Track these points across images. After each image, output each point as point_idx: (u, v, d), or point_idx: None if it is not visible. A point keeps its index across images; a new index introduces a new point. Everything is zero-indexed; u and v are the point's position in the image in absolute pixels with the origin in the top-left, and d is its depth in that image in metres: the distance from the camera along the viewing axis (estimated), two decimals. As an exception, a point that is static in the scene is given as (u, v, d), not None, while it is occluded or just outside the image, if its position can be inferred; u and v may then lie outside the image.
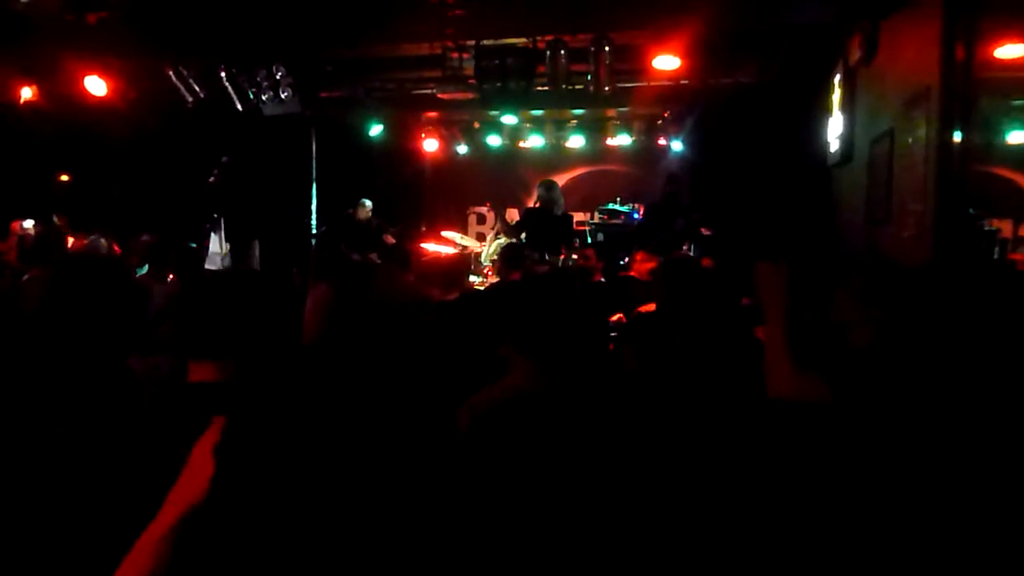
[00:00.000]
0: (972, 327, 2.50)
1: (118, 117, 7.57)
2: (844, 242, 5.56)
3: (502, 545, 1.75)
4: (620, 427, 2.01)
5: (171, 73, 6.85)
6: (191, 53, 6.65)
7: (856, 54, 5.03)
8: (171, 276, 4.87)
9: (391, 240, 8.02)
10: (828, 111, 6.04)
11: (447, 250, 8.48)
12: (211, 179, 8.02)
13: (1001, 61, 5.47)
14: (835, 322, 2.37)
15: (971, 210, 4.07)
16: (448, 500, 1.83)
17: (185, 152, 8.51)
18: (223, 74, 6.93)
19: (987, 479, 1.95)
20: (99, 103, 7.22)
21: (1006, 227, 8.11)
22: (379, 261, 7.86)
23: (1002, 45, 5.23)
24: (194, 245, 6.74)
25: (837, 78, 5.70)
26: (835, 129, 5.83)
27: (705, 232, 8.24)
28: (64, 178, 9.74)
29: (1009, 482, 1.92)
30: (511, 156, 10.98)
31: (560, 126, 10.60)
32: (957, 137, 3.46)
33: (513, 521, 1.77)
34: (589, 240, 9.10)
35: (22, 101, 7.41)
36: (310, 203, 8.99)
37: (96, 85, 6.92)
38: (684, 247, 7.70)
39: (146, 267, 5.09)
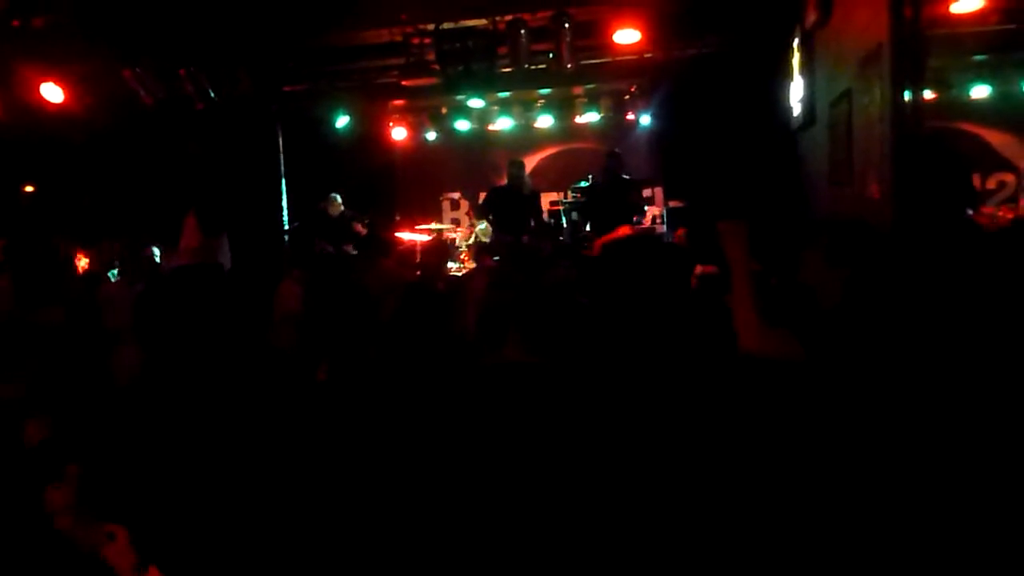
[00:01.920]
0: (936, 284, 2.53)
1: (77, 122, 7.45)
2: (810, 204, 5.61)
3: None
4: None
5: (128, 75, 6.75)
6: (145, 53, 6.55)
7: (812, 16, 5.05)
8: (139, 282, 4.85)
9: (362, 230, 7.99)
10: (789, 76, 6.07)
11: (423, 238, 8.48)
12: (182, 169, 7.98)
13: (956, 16, 5.52)
14: (803, 283, 2.42)
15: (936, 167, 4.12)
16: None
17: (148, 153, 8.41)
18: (182, 73, 6.84)
19: (957, 436, 1.98)
20: (57, 109, 7.10)
21: (973, 182, 8.18)
22: (354, 252, 7.87)
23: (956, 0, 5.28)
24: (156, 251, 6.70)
25: (796, 42, 5.72)
26: (796, 93, 5.86)
27: (675, 204, 8.30)
28: (28, 188, 9.61)
29: (979, 438, 1.96)
30: (481, 140, 10.94)
31: (528, 107, 10.56)
32: (909, 94, 3.49)
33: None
34: (564, 219, 9.11)
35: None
36: (280, 198, 8.93)
37: (52, 92, 6.81)
38: (635, 219, 7.78)
39: (115, 273, 5.07)
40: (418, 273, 6.16)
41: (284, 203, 8.98)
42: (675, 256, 3.57)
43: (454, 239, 9.22)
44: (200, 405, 1.56)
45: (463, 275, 5.68)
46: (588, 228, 8.04)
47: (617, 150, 8.22)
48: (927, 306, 2.29)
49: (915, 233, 3.42)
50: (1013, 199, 8.22)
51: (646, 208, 8.43)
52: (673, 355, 2.50)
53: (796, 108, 5.90)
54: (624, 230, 5.95)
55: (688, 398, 2.34)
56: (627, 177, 7.80)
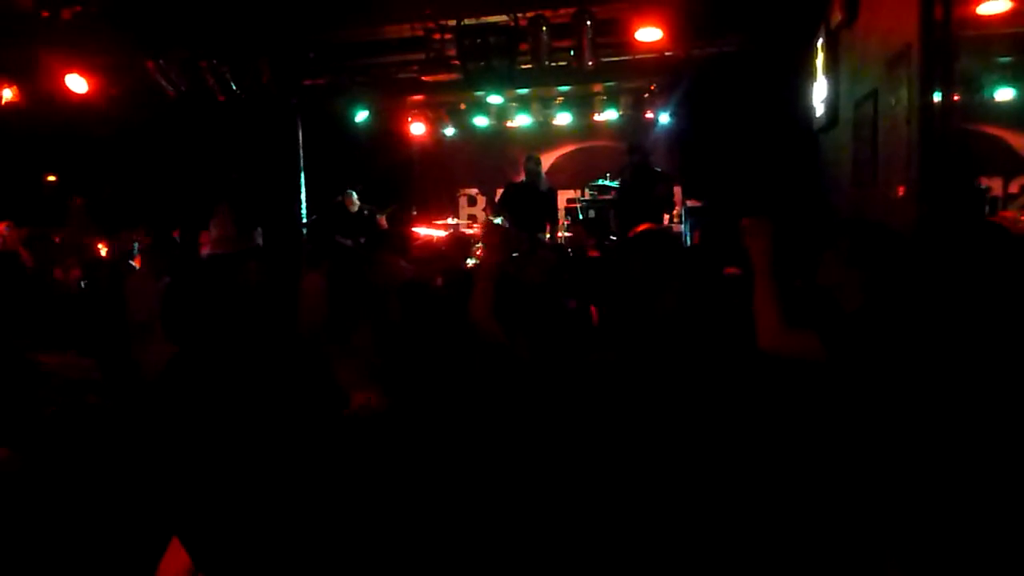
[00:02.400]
0: (960, 287, 2.51)
1: (100, 114, 7.51)
2: (832, 206, 5.57)
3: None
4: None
5: (152, 67, 6.79)
6: (169, 45, 6.60)
7: (838, 16, 5.01)
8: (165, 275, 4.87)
9: (384, 224, 8.02)
10: (812, 76, 6.03)
11: (439, 233, 8.49)
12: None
13: (983, 17, 5.45)
14: (823, 284, 2.40)
15: (960, 170, 4.08)
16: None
17: (170, 146, 8.47)
18: (204, 65, 6.88)
19: (978, 438, 1.97)
20: (81, 101, 7.17)
21: (996, 185, 8.09)
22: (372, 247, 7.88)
23: (983, 1, 5.21)
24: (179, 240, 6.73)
25: (820, 42, 5.68)
26: (820, 93, 5.82)
27: (693, 203, 8.25)
28: (51, 178, 9.70)
29: (999, 440, 1.94)
30: (499, 136, 10.95)
31: (547, 104, 10.56)
32: (939, 96, 3.45)
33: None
34: (580, 216, 9.10)
35: (3, 102, 7.36)
36: (299, 192, 8.97)
37: (76, 83, 6.87)
38: (665, 216, 7.74)
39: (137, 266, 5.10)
40: (435, 269, 6.16)
41: (303, 196, 9.01)
42: (690, 256, 3.56)
43: (472, 235, 9.22)
44: (234, 400, 1.57)
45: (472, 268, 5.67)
46: (614, 226, 7.99)
47: (642, 143, 8.15)
48: (952, 307, 2.28)
49: (941, 234, 3.39)
50: (1038, 203, 8.11)
51: (675, 203, 8.37)
52: (688, 354, 2.49)
53: (819, 108, 5.86)
54: (645, 226, 5.93)
55: (702, 399, 2.34)
56: (658, 170, 7.76)
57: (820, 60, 5.71)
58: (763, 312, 2.26)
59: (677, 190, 9.91)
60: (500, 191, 8.62)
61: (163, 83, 6.97)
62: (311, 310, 4.03)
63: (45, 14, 5.27)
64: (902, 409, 2.06)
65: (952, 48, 3.43)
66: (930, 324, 2.21)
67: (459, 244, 6.56)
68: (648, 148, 7.95)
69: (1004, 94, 8.82)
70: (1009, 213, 7.35)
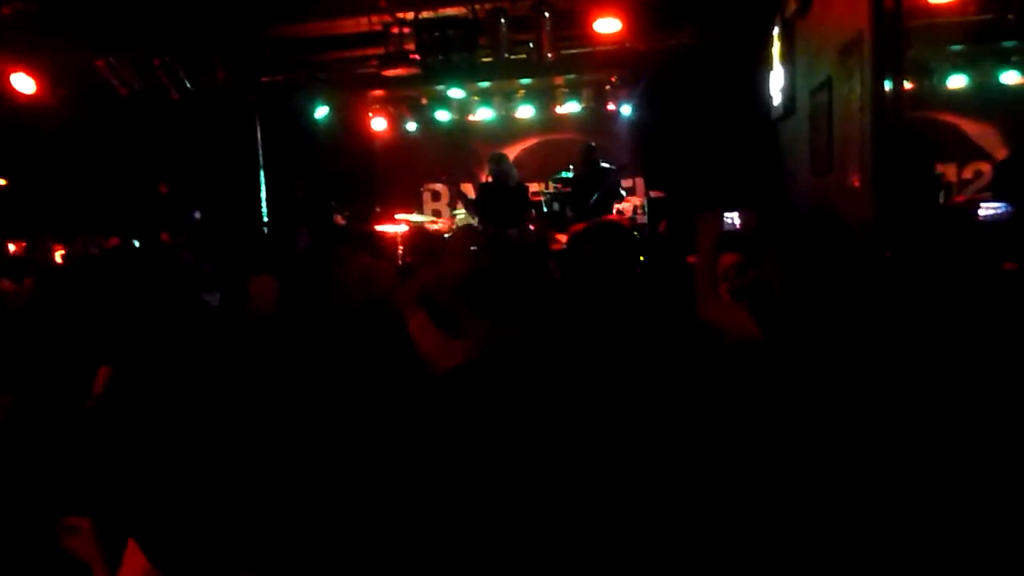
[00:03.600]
0: (920, 270, 2.56)
1: (50, 114, 7.31)
2: (791, 194, 5.63)
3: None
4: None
5: (102, 65, 6.63)
6: (119, 43, 6.43)
7: (792, 6, 5.05)
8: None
9: (341, 222, 7.94)
10: (769, 66, 6.08)
11: (402, 230, 8.41)
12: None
13: (935, 6, 5.54)
14: (761, 280, 2.51)
15: (914, 156, 4.14)
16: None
17: (124, 146, 8.28)
18: (157, 63, 6.73)
19: (928, 424, 1.99)
20: (28, 101, 6.96)
21: (950, 171, 8.25)
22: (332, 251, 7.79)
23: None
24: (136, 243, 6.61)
25: (776, 31, 5.73)
26: (777, 82, 5.87)
27: (655, 194, 8.30)
28: (1, 182, 9.43)
29: (946, 425, 1.96)
30: (461, 130, 10.88)
31: (508, 97, 10.52)
32: (890, 84, 3.49)
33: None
34: (544, 209, 9.08)
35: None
36: (258, 190, 8.84)
37: (23, 82, 6.67)
38: (622, 206, 7.85)
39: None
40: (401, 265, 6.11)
41: (263, 195, 8.89)
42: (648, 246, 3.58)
43: (437, 231, 9.17)
44: (189, 399, 1.53)
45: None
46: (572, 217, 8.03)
47: (592, 143, 8.27)
48: (910, 290, 2.32)
49: (896, 220, 3.44)
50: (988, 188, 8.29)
51: (624, 193, 8.46)
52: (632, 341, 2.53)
53: (777, 97, 5.91)
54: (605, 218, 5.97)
55: (662, 383, 2.36)
56: (605, 165, 7.83)
57: (777, 49, 5.76)
58: (701, 285, 2.46)
59: (639, 181, 9.97)
60: (464, 185, 8.59)
61: (114, 82, 6.80)
62: (260, 311, 3.95)
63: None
64: (846, 392, 2.08)
65: (903, 36, 3.48)
66: (881, 307, 2.24)
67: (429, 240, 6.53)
68: (596, 148, 8.06)
69: (957, 81, 9.00)
70: (961, 198, 7.51)
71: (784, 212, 5.25)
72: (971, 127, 9.15)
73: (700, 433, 2.27)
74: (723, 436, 2.24)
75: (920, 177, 5.24)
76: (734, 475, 2.05)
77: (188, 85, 6.98)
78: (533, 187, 9.99)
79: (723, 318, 2.43)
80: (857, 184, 3.97)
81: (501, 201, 7.70)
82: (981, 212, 3.20)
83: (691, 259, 3.62)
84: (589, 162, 7.90)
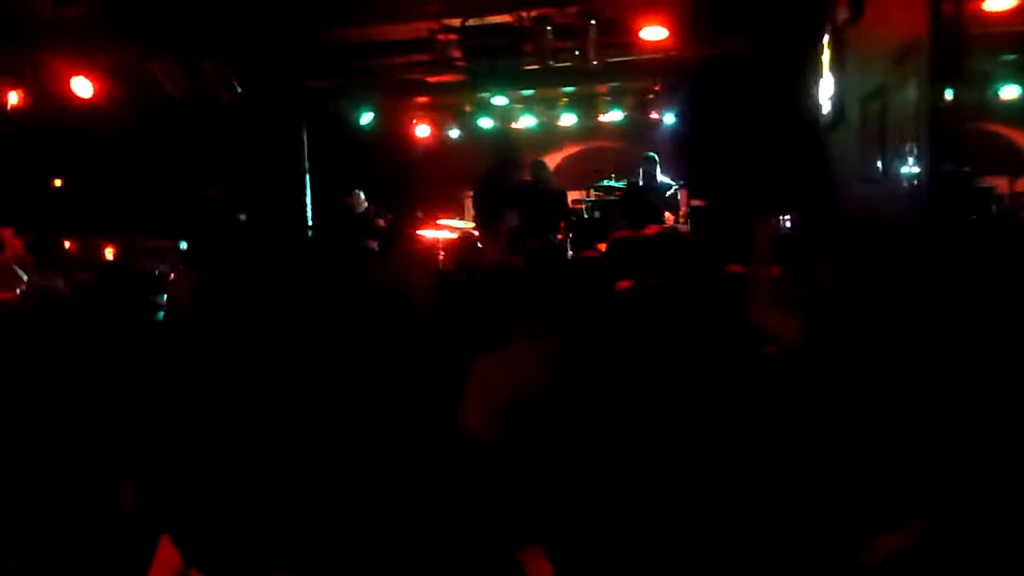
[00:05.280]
0: (968, 280, 2.52)
1: (106, 117, 7.52)
2: (841, 203, 5.54)
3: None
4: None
5: (155, 68, 6.80)
6: (171, 44, 6.59)
7: (843, 13, 4.99)
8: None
9: (383, 224, 8.04)
10: (818, 74, 6.00)
11: (445, 235, 8.47)
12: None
13: (990, 14, 5.44)
14: (825, 294, 2.50)
15: (965, 167, 4.06)
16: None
17: (174, 148, 8.48)
18: (207, 68, 6.89)
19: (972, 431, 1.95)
20: (86, 104, 7.17)
21: (1001, 184, 8.04)
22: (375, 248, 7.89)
23: (989, -3, 5.20)
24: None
25: (825, 39, 5.66)
26: (826, 90, 5.80)
27: (698, 203, 8.25)
28: (57, 183, 9.72)
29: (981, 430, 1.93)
30: (504, 137, 10.94)
31: (551, 105, 10.55)
32: (948, 92, 3.43)
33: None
34: (585, 216, 9.09)
35: (9, 106, 7.37)
36: (303, 194, 8.98)
37: (82, 86, 6.87)
38: (669, 218, 7.90)
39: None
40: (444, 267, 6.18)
41: (308, 199, 9.02)
42: (694, 254, 3.58)
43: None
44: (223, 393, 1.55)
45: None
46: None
47: (653, 154, 8.36)
48: (959, 298, 2.29)
49: (948, 229, 3.38)
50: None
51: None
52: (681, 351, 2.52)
53: (825, 106, 5.83)
54: (651, 229, 5.96)
55: (694, 393, 2.35)
56: (666, 180, 7.94)
57: (826, 57, 5.69)
58: (755, 290, 2.51)
59: (682, 192, 9.92)
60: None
61: (167, 86, 6.97)
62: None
63: (48, 15, 5.27)
64: (887, 398, 2.06)
65: (963, 42, 3.41)
66: (931, 315, 2.22)
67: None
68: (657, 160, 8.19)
69: (1009, 92, 8.80)
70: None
71: (835, 219, 5.18)
72: (1022, 138, 8.96)
73: (742, 437, 2.25)
74: (767, 439, 2.23)
75: (970, 186, 5.13)
76: (775, 477, 2.03)
77: (238, 89, 7.11)
78: (574, 195, 10.00)
79: (771, 322, 2.45)
80: (910, 192, 3.90)
81: (536, 206, 7.74)
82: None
83: (733, 268, 3.62)
84: (649, 172, 7.95)
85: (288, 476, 1.33)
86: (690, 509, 1.99)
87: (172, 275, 4.83)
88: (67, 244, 7.79)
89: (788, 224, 3.53)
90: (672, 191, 8.10)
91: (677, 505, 1.98)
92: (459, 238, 7.74)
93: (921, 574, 1.64)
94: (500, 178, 7.45)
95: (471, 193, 10.90)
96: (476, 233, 8.49)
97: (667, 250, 3.30)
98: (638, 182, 8.25)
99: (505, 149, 8.40)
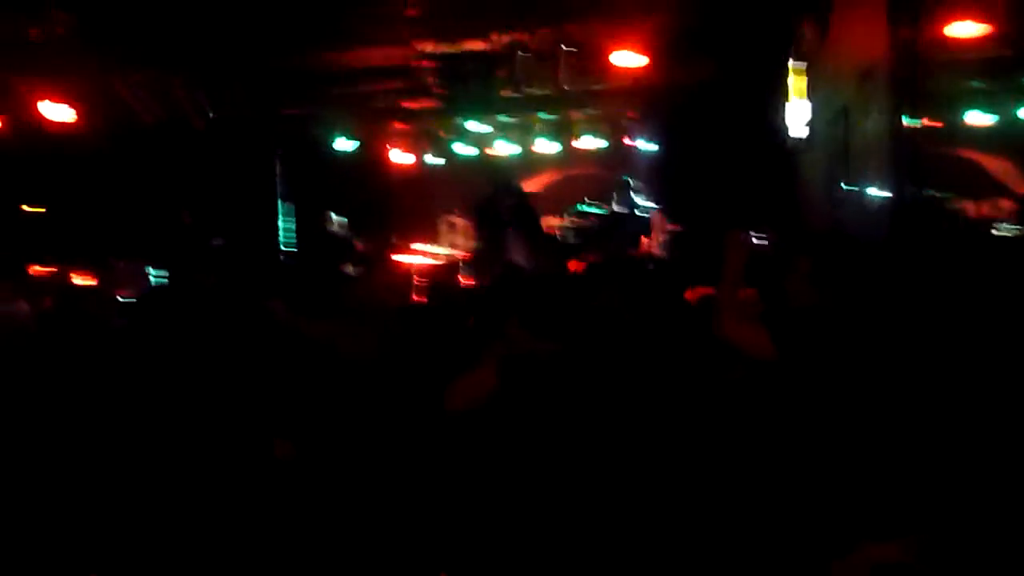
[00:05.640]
0: (932, 296, 2.54)
1: (79, 142, 7.47)
2: (808, 225, 5.60)
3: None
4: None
5: (125, 92, 6.78)
6: (142, 68, 6.58)
7: (808, 37, 5.08)
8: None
9: (360, 247, 8.02)
10: (787, 97, 6.09)
11: (423, 260, 8.45)
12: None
13: (955, 41, 5.55)
14: (796, 307, 2.51)
15: (929, 190, 4.13)
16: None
17: (149, 174, 8.43)
18: (180, 93, 6.88)
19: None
20: (59, 128, 7.12)
21: (969, 207, 8.15)
22: (353, 272, 7.85)
23: (951, 21, 5.30)
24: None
25: (792, 64, 5.76)
26: (795, 114, 5.88)
27: (672, 227, 8.30)
28: (30, 208, 9.60)
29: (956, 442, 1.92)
30: (480, 163, 10.97)
31: (528, 131, 10.59)
32: (908, 113, 3.49)
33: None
34: (561, 242, 9.10)
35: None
36: (276, 219, 8.95)
37: (53, 110, 6.82)
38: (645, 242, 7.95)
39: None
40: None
41: (280, 224, 8.99)
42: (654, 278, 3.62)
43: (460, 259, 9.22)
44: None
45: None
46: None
47: (628, 178, 8.42)
48: (928, 308, 2.31)
49: (914, 242, 3.41)
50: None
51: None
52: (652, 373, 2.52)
53: (794, 129, 5.92)
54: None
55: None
56: (643, 203, 7.99)
57: (793, 82, 5.78)
58: (724, 303, 2.52)
59: (660, 217, 9.97)
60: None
61: (139, 111, 6.95)
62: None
63: (19, 37, 5.24)
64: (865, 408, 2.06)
65: (920, 58, 3.48)
66: (900, 327, 2.23)
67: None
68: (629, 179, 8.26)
69: (977, 117, 8.97)
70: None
71: (804, 236, 5.22)
72: (991, 163, 9.10)
73: (717, 449, 2.24)
74: (741, 452, 2.21)
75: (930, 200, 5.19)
76: (750, 488, 2.02)
77: (210, 114, 7.10)
78: (551, 220, 10.03)
79: (742, 336, 2.46)
80: (874, 209, 3.94)
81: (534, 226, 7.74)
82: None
83: (702, 290, 3.65)
84: (624, 198, 8.01)
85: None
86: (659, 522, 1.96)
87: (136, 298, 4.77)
88: (37, 269, 7.69)
89: (758, 241, 3.54)
90: (649, 215, 8.14)
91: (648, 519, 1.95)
92: (443, 264, 7.73)
93: None
94: (500, 202, 7.43)
95: (449, 218, 10.95)
96: (460, 259, 8.49)
97: (624, 275, 3.31)
98: (614, 208, 8.30)
99: (499, 174, 8.40)
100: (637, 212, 8.27)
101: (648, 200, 8.10)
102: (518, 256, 6.46)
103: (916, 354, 2.15)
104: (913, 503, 1.84)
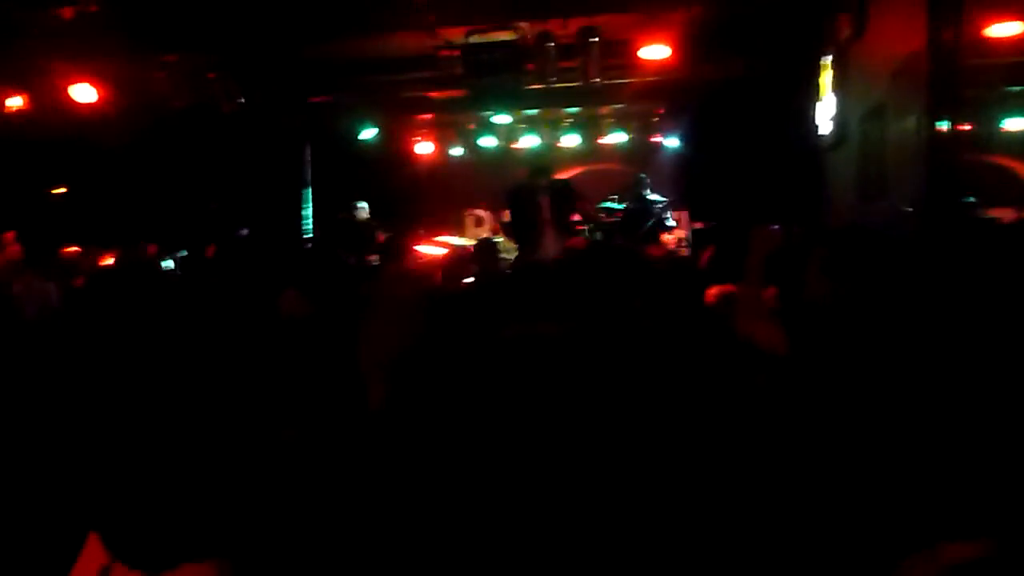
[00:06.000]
0: (969, 287, 2.48)
1: (108, 125, 7.55)
2: (835, 220, 5.50)
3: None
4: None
5: (158, 77, 6.83)
6: (173, 51, 6.63)
7: (846, 31, 4.98)
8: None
9: (382, 239, 8.02)
10: (819, 94, 5.99)
11: (444, 252, 8.44)
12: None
13: (993, 41, 5.42)
14: (810, 300, 2.48)
15: (965, 196, 4.04)
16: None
17: (177, 159, 8.50)
18: (211, 77, 6.92)
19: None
20: (89, 111, 7.19)
21: (1007, 216, 7.97)
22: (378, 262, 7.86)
23: (992, 23, 5.18)
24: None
25: (828, 59, 5.65)
26: (827, 111, 5.78)
27: (698, 226, 8.22)
28: (61, 189, 9.74)
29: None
30: (506, 157, 10.96)
31: (554, 125, 10.58)
32: (946, 100, 3.40)
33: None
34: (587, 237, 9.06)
35: (13, 110, 7.40)
36: (303, 208, 8.98)
37: (83, 92, 6.89)
38: (669, 237, 7.91)
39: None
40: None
41: (309, 212, 9.02)
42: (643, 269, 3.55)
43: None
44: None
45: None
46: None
47: (643, 174, 8.36)
48: (957, 307, 2.24)
49: (946, 239, 3.33)
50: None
51: (673, 224, 8.52)
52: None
53: (826, 126, 5.82)
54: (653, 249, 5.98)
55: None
56: (654, 197, 7.90)
57: (828, 77, 5.68)
58: (743, 301, 2.51)
59: (684, 214, 9.89)
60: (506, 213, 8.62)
61: (169, 94, 7.00)
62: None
63: (49, 17, 5.29)
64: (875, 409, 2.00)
65: (960, 52, 3.38)
66: (931, 322, 2.17)
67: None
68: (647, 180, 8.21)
69: (1014, 123, 8.78)
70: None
71: (825, 229, 5.14)
72: (1027, 171, 8.91)
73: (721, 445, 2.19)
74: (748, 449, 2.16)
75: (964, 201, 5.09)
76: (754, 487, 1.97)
77: (240, 100, 7.13)
78: (575, 216, 9.99)
79: (756, 331, 2.40)
80: (909, 206, 3.85)
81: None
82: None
83: (722, 288, 3.60)
84: (640, 193, 7.97)
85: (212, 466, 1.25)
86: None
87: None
88: (68, 251, 7.78)
89: (783, 235, 3.48)
90: (662, 207, 8.08)
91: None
92: (451, 254, 7.67)
93: None
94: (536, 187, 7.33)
95: (475, 212, 10.94)
96: (469, 249, 8.46)
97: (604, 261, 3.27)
98: (633, 204, 8.25)
99: (537, 158, 8.36)
100: (653, 208, 8.18)
101: (663, 196, 8.04)
102: (548, 240, 6.38)
103: (945, 349, 2.08)
104: (984, 500, 1.77)
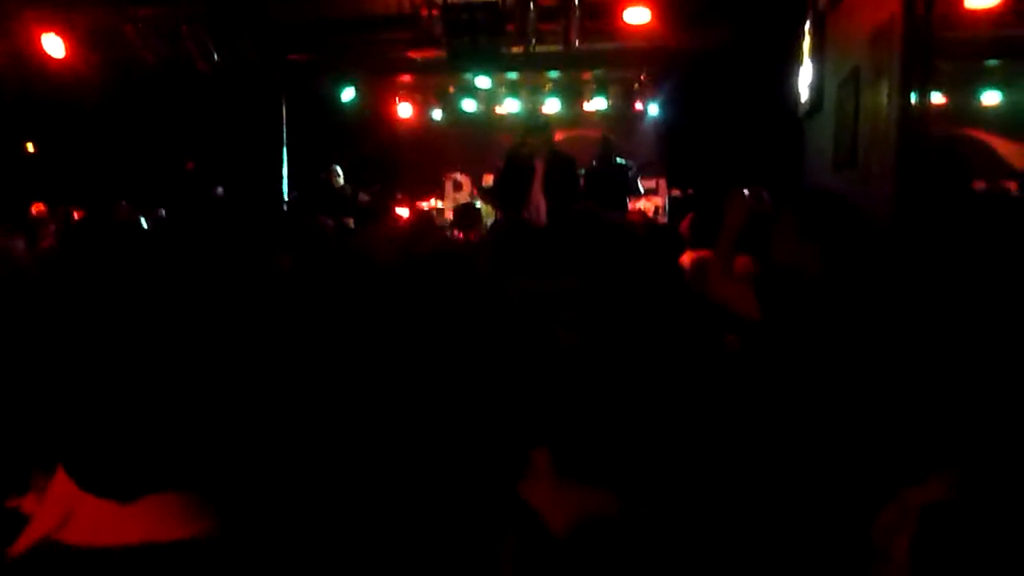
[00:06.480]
0: (941, 257, 2.51)
1: (81, 81, 7.40)
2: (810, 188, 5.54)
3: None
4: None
5: (130, 30, 6.68)
6: (147, 5, 6.49)
7: (824, -1, 4.98)
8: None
9: (365, 199, 7.98)
10: (799, 61, 5.99)
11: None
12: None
13: (971, 16, 5.42)
14: (779, 262, 2.49)
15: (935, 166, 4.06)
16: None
17: (151, 118, 8.37)
18: (185, 31, 6.78)
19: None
20: (60, 66, 7.04)
21: (978, 188, 8.06)
22: (355, 225, 7.82)
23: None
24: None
25: (807, 26, 5.65)
26: (805, 78, 5.79)
27: (676, 193, 8.24)
28: (30, 147, 9.57)
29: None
30: (487, 121, 10.88)
31: (535, 90, 10.51)
32: (921, 64, 3.42)
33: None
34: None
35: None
36: (280, 168, 8.88)
37: (54, 44, 6.73)
38: (640, 203, 7.81)
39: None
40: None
41: (284, 173, 8.92)
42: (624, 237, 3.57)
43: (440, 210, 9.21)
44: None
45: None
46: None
47: (610, 135, 8.17)
48: (931, 278, 2.27)
49: (918, 211, 3.36)
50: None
51: (642, 190, 8.37)
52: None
53: (804, 93, 5.83)
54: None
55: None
56: (621, 161, 7.76)
57: (807, 44, 5.68)
58: (717, 261, 2.54)
59: (662, 181, 9.89)
60: (488, 176, 8.58)
61: (142, 48, 6.85)
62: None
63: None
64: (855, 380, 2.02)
65: (934, 22, 3.40)
66: (903, 295, 2.20)
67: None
68: (613, 141, 7.97)
69: (990, 98, 8.84)
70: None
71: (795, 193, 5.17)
72: (1002, 145, 8.99)
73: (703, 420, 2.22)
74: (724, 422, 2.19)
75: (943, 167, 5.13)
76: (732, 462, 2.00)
77: (215, 57, 7.00)
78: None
79: (728, 294, 2.43)
80: (879, 175, 3.88)
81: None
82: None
83: (698, 253, 3.62)
84: (605, 155, 7.83)
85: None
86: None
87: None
88: (37, 209, 7.67)
89: (758, 200, 3.50)
90: (632, 172, 7.88)
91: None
92: (413, 216, 7.57)
93: (966, 527, 1.53)
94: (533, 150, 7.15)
95: (455, 176, 10.87)
96: (432, 212, 8.38)
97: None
98: (597, 167, 8.02)
99: (532, 121, 8.09)
100: (618, 172, 7.98)
101: (631, 162, 7.89)
102: (538, 198, 6.26)
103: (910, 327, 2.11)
104: (941, 440, 1.81)
